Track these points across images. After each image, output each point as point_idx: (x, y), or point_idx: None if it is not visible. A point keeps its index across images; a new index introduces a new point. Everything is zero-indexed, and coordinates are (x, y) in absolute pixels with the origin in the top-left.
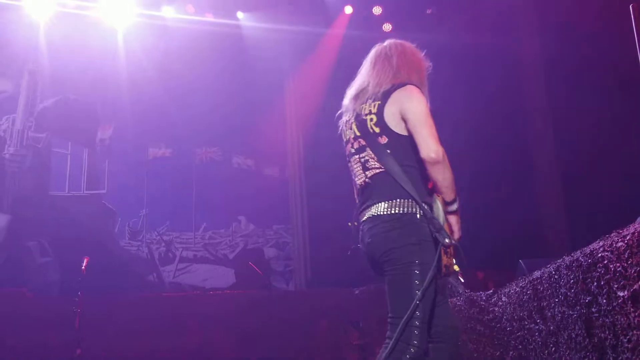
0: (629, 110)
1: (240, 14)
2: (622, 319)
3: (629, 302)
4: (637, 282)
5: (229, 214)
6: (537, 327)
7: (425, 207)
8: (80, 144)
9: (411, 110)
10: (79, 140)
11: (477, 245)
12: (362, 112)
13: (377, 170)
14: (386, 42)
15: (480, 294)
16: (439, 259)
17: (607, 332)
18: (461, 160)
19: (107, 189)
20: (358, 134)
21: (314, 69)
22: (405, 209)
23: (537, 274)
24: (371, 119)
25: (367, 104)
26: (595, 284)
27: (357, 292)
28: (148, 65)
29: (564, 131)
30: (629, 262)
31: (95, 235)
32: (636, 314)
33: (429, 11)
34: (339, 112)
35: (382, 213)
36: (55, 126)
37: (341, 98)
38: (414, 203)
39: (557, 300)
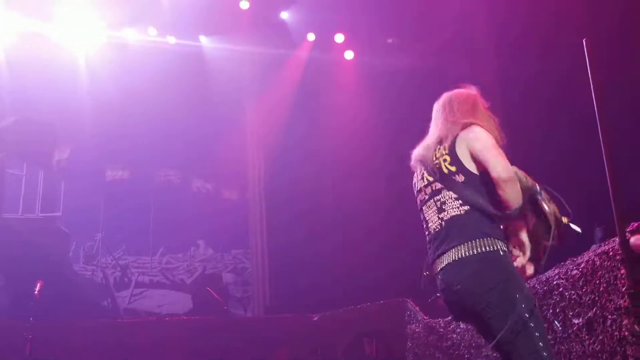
0: (580, 125)
1: (202, 38)
2: (577, 347)
3: (584, 329)
4: (592, 309)
5: (187, 238)
6: (494, 354)
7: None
8: (36, 165)
9: (478, 142)
10: (34, 161)
11: None
12: (433, 158)
13: (454, 212)
14: (445, 97)
15: (439, 321)
16: (544, 212)
17: None
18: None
19: (62, 211)
20: (430, 179)
21: (276, 93)
22: (488, 246)
23: None
24: (444, 159)
25: (437, 150)
26: (550, 311)
27: (315, 318)
28: (109, 86)
29: (520, 147)
30: (584, 290)
31: (48, 259)
32: (591, 341)
33: (389, 41)
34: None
35: (465, 255)
36: (11, 147)
37: (303, 121)
38: (495, 240)
39: None
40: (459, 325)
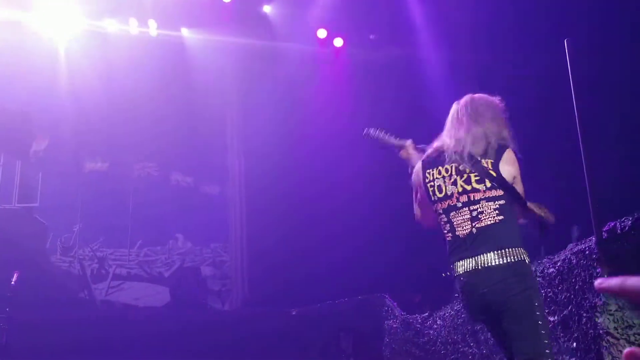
0: (559, 124)
1: (184, 31)
2: (552, 344)
3: (559, 327)
4: (567, 307)
5: (166, 231)
6: (470, 350)
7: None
8: (13, 155)
9: (518, 175)
10: (12, 151)
11: (413, 268)
12: (471, 169)
13: (490, 222)
14: (468, 98)
15: (416, 317)
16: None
17: None
18: (399, 176)
19: (39, 202)
20: (468, 188)
21: (258, 87)
22: (516, 256)
23: None
24: (489, 175)
25: (476, 160)
26: None
27: (294, 313)
28: (89, 77)
29: None
30: (559, 288)
31: (25, 250)
32: (566, 338)
33: (371, 37)
34: (423, 161)
35: (495, 264)
36: None
37: (285, 116)
38: (521, 249)
39: None
40: (436, 321)
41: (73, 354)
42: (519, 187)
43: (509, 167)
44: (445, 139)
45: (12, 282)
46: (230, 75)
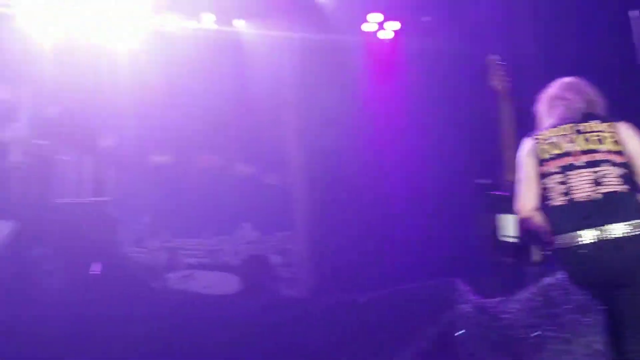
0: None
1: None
2: None
3: None
4: None
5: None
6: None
7: None
8: None
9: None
10: None
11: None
12: (592, 129)
13: (616, 188)
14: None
15: (490, 301)
16: None
17: None
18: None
19: None
20: (589, 148)
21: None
22: None
23: (547, 280)
24: (612, 137)
25: (595, 122)
26: None
27: (361, 301)
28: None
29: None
30: None
31: None
32: None
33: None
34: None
35: (629, 235)
36: None
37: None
38: None
39: (569, 307)
40: (509, 305)
41: (150, 347)
42: None
43: (627, 136)
44: (565, 99)
45: None
46: (289, 70)
